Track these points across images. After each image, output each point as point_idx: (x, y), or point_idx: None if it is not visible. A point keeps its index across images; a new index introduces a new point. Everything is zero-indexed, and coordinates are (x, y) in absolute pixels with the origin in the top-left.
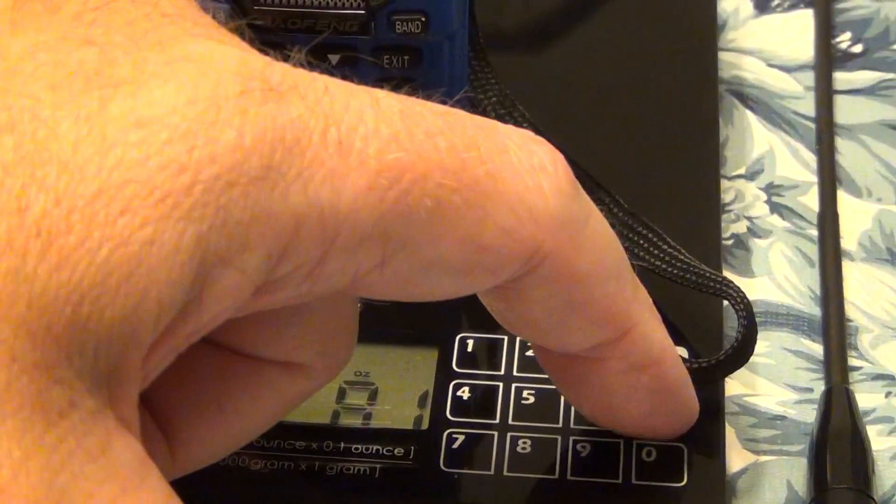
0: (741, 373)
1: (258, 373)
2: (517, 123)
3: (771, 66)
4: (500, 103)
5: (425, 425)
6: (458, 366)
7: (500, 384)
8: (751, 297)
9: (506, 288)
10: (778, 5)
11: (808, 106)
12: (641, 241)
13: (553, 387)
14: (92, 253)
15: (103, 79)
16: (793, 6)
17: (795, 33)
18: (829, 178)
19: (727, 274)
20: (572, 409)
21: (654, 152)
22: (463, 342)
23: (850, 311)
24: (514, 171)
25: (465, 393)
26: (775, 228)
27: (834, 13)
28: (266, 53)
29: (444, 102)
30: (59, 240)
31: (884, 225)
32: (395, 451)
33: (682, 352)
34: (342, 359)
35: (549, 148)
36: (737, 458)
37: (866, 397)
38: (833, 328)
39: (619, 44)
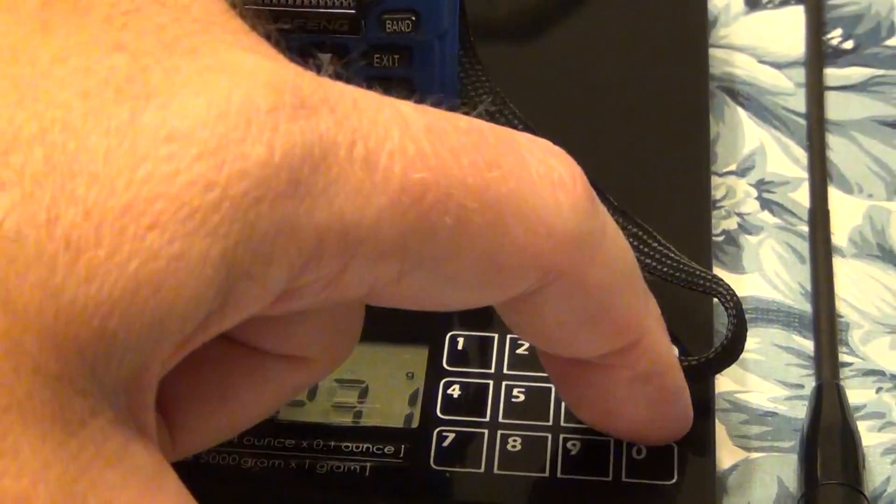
0: (732, 369)
1: (262, 364)
2: (508, 121)
3: (762, 62)
4: (491, 101)
5: (416, 423)
6: (448, 364)
7: (491, 382)
8: (741, 293)
9: (519, 300)
10: (769, 2)
11: (799, 102)
12: (631, 239)
13: (543, 385)
14: (121, 267)
15: (135, 87)
16: (784, 2)
17: (786, 29)
18: (820, 174)
19: (718, 271)
20: (563, 407)
21: (645, 149)
22: (453, 340)
23: (841, 307)
24: (534, 189)
25: (455, 391)
26: (766, 225)
27: (825, 9)
28: (294, 61)
29: (438, 104)
30: (88, 253)
31: (874, 221)
32: (386, 449)
33: (673, 350)
34: (344, 354)
35: (567, 161)
36: (727, 454)
37: (857, 393)
38: (824, 324)
39: (609, 40)
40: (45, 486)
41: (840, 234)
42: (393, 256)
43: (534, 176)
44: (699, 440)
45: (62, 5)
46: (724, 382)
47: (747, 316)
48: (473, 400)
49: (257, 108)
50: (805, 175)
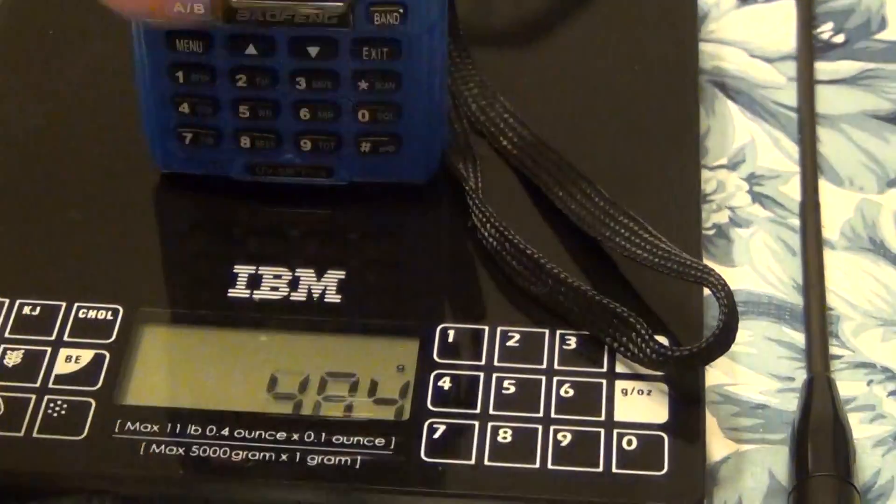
0: (723, 362)
1: None
2: (498, 114)
3: (753, 56)
4: (480, 94)
5: (407, 416)
6: (439, 356)
7: (482, 374)
8: (732, 286)
9: None
10: None
11: (789, 96)
12: (622, 231)
13: (534, 377)
14: None
15: None
16: None
17: (777, 23)
18: (811, 167)
19: (708, 264)
20: (553, 398)
21: (636, 142)
22: (444, 333)
23: (832, 300)
24: None
25: (446, 383)
26: (757, 218)
27: (816, 3)
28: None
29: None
30: None
31: (865, 214)
32: (377, 441)
33: (663, 340)
34: None
35: None
36: (718, 446)
37: (848, 386)
38: (815, 317)
39: (600, 35)
40: None
41: (831, 228)
42: None
43: None
44: (690, 432)
45: None
46: (716, 375)
47: (738, 309)
48: (464, 392)
49: None
50: (796, 168)
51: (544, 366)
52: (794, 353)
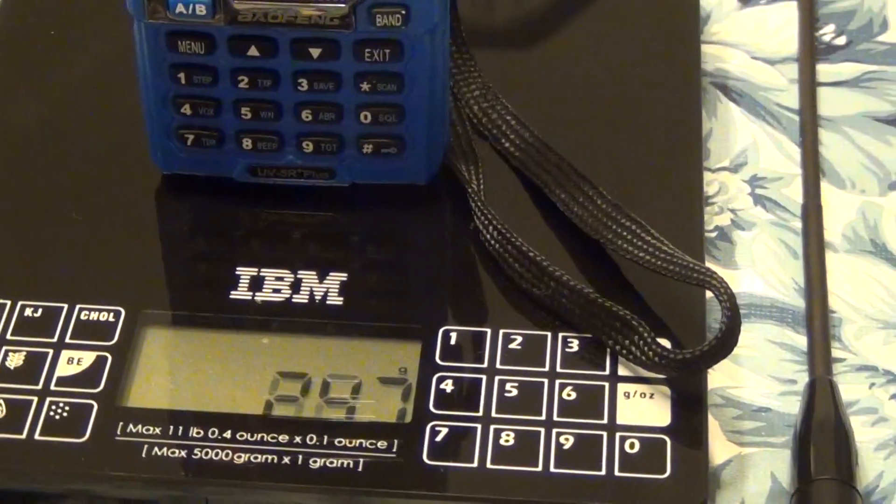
0: (725, 364)
1: None
2: (500, 116)
3: (754, 58)
4: (482, 96)
5: (409, 419)
6: (441, 359)
7: (484, 377)
8: (735, 289)
9: None
10: None
11: (791, 98)
12: (625, 233)
13: (537, 380)
14: None
15: None
16: None
17: (779, 25)
18: (813, 170)
19: (711, 266)
20: (555, 401)
21: (638, 145)
22: (446, 335)
23: (834, 302)
24: None
25: (448, 386)
26: (759, 220)
27: (817, 5)
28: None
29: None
30: None
31: (867, 216)
32: (379, 444)
33: (666, 343)
34: None
35: None
36: (720, 449)
37: (850, 388)
38: (817, 320)
39: (602, 37)
40: None
41: (833, 230)
42: None
43: None
44: (692, 435)
45: None
46: (718, 377)
47: (740, 311)
48: (466, 395)
49: None
50: (798, 171)
51: (546, 368)
52: (796, 356)
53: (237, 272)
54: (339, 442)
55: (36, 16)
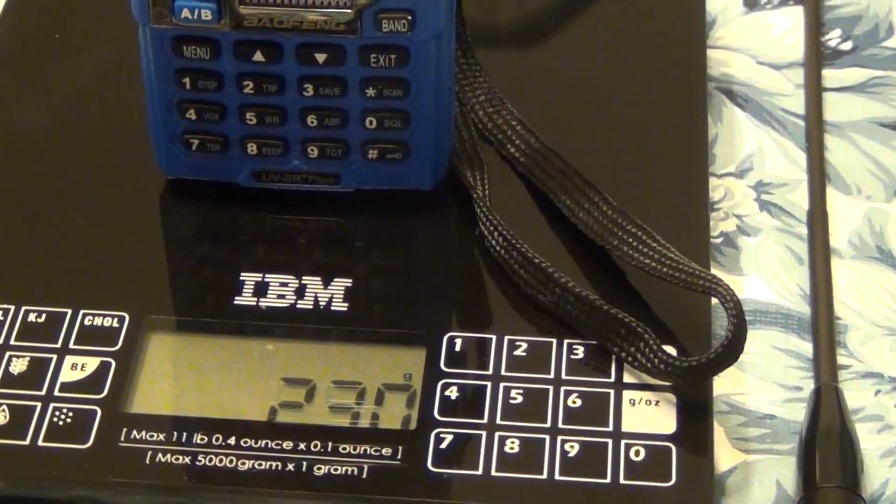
0: (730, 371)
1: None
2: (505, 121)
3: (760, 63)
4: (487, 102)
5: (413, 425)
6: (446, 365)
7: (489, 384)
8: (740, 295)
9: None
10: (767, 2)
11: (797, 103)
12: (630, 240)
13: (542, 387)
14: None
15: None
16: (782, 3)
17: (785, 30)
18: (819, 175)
19: (716, 272)
20: (560, 408)
21: (643, 150)
22: (451, 342)
23: (840, 309)
24: None
25: (453, 393)
26: (764, 226)
27: (823, 10)
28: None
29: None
30: None
31: (873, 223)
32: (383, 451)
33: (671, 350)
34: None
35: None
36: (726, 457)
37: (855, 395)
38: (822, 326)
39: (607, 42)
40: None
41: (839, 236)
42: None
43: None
44: (697, 442)
45: None
46: (723, 384)
47: (746, 318)
48: (471, 402)
49: None
50: (804, 176)
51: (552, 375)
52: (802, 363)
53: (241, 278)
54: (344, 449)
55: (40, 19)
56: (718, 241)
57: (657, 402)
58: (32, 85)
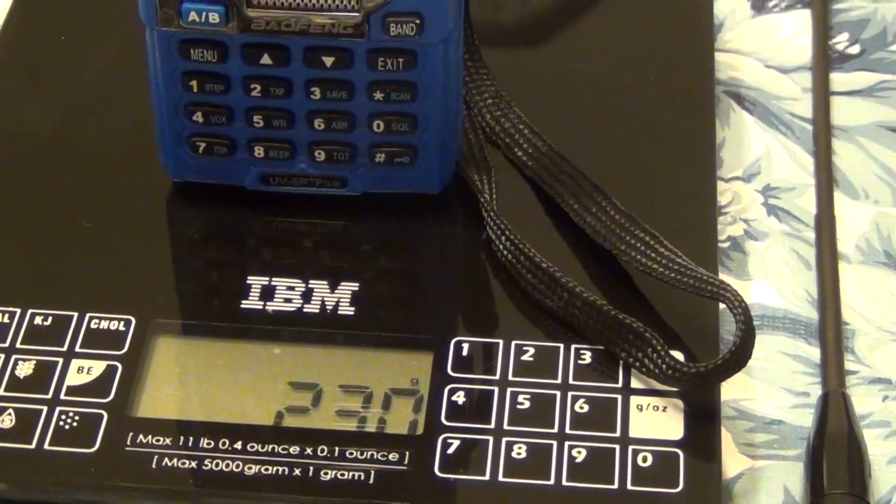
0: (737, 376)
1: None
2: (513, 125)
3: (768, 67)
4: (495, 105)
5: (420, 430)
6: (453, 370)
7: (496, 389)
8: (747, 300)
9: None
10: (775, 6)
11: (805, 107)
12: (638, 244)
13: (549, 392)
14: None
15: None
16: (789, 7)
17: (792, 34)
18: (826, 180)
19: (723, 277)
20: (568, 413)
21: (651, 154)
22: (458, 346)
23: (848, 314)
24: None
25: (460, 397)
26: (772, 231)
27: (831, 14)
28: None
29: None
30: None
31: (881, 227)
32: (390, 456)
33: (679, 355)
34: None
35: None
36: (733, 462)
37: (863, 401)
38: (830, 332)
39: (615, 45)
40: None
41: (846, 241)
42: None
43: None
44: (705, 448)
45: None
46: (730, 390)
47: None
48: (478, 407)
49: None
50: (811, 181)
51: (559, 381)
52: (809, 368)
53: (248, 281)
54: (350, 453)
55: (46, 21)
56: (726, 245)
57: (665, 407)
58: (38, 87)
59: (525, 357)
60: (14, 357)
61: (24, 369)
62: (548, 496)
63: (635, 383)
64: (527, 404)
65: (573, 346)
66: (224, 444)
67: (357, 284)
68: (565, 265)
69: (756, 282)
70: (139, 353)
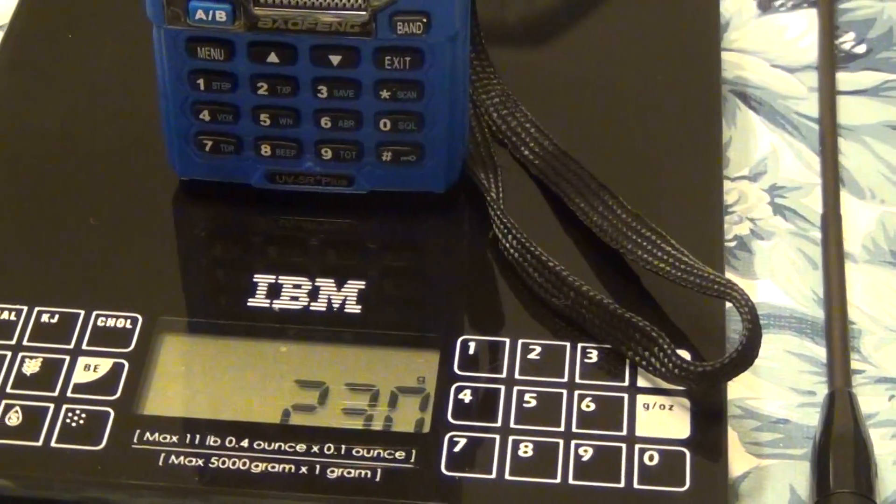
0: (744, 375)
1: None
2: (519, 123)
3: (774, 66)
4: (501, 104)
5: (427, 428)
6: (459, 368)
7: (502, 387)
8: (753, 299)
9: None
10: (781, 5)
11: (811, 107)
12: (644, 243)
13: (555, 390)
14: None
15: None
16: (796, 6)
17: (799, 33)
18: (833, 179)
19: (730, 276)
20: (574, 412)
21: (657, 153)
22: (465, 345)
23: (854, 313)
24: None
25: (466, 396)
26: (778, 230)
27: (837, 13)
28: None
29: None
30: None
31: (887, 227)
32: (397, 454)
33: (685, 354)
34: None
35: None
36: (739, 461)
37: (869, 401)
38: (836, 331)
39: (621, 44)
40: None
41: (853, 240)
42: None
43: None
44: (711, 447)
45: None
46: (736, 388)
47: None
48: (485, 405)
49: None
50: (817, 180)
51: (565, 379)
52: (816, 368)
53: (255, 279)
54: (357, 452)
55: (53, 19)
56: (732, 244)
57: (671, 406)
58: (45, 85)
59: (531, 356)
60: (21, 354)
61: (31, 367)
62: (554, 494)
63: (642, 382)
64: (533, 403)
65: (580, 345)
66: (231, 441)
67: (363, 283)
68: (572, 264)
69: (762, 281)
70: (146, 351)
